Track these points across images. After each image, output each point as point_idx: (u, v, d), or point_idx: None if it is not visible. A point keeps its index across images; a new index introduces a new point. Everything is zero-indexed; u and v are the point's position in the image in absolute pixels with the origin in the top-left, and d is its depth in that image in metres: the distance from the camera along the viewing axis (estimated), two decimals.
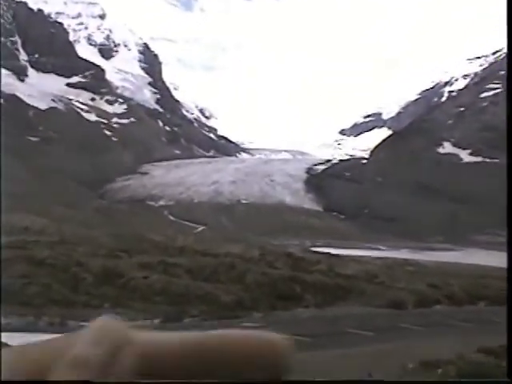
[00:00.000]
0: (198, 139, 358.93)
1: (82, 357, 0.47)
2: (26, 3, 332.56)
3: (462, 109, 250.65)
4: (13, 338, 13.46)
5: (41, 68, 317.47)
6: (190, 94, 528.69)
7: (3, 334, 13.79)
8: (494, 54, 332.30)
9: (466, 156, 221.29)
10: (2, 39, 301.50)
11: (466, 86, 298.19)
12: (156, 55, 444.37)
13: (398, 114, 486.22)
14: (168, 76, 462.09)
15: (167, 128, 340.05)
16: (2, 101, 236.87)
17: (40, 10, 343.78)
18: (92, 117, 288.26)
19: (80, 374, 0.46)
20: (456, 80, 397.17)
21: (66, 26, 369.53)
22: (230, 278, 28.16)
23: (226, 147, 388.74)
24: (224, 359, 0.49)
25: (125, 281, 24.47)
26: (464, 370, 10.94)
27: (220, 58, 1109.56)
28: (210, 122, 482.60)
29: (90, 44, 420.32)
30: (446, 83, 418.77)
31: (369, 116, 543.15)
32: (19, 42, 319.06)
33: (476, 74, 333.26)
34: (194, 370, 0.50)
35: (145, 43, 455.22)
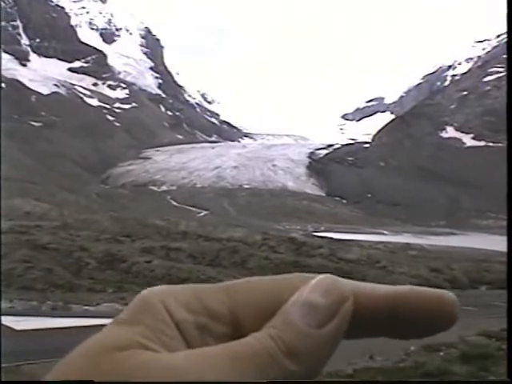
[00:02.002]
0: (200, 124, 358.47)
1: (312, 302, 0.49)
2: None
3: (464, 93, 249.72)
4: (17, 322, 13.54)
5: (43, 53, 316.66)
6: (192, 78, 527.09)
7: (7, 318, 13.85)
8: (497, 37, 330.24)
9: (468, 140, 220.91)
10: (3, 23, 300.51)
11: (469, 70, 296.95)
12: (158, 40, 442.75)
13: (401, 98, 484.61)
14: (170, 61, 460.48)
15: (169, 113, 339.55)
16: (3, 85, 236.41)
17: None
18: (94, 102, 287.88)
19: (308, 317, 0.49)
20: (459, 64, 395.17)
21: (67, 10, 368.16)
22: (232, 262, 28.25)
23: (229, 132, 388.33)
24: (420, 313, 0.52)
25: (127, 265, 24.56)
26: (466, 353, 10.97)
27: (222, 42, 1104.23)
28: (213, 107, 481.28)
29: (92, 28, 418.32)
30: (449, 67, 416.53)
31: (371, 100, 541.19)
32: (21, 26, 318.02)
33: (479, 57, 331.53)
34: (392, 322, 0.52)
35: (146, 27, 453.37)
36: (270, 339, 0.48)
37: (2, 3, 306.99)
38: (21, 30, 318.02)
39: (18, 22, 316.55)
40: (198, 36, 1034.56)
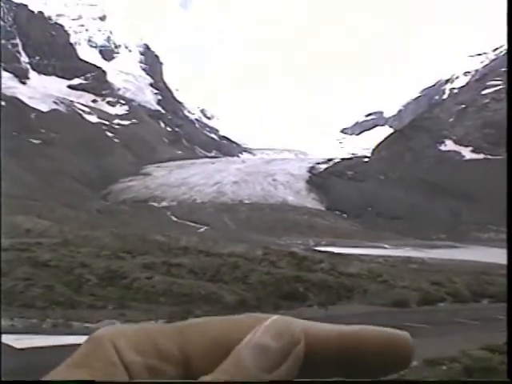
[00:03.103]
0: (199, 140, 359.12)
1: (263, 345, 0.50)
2: (26, 5, 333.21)
3: (463, 106, 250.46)
4: (17, 341, 13.48)
5: (42, 70, 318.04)
6: (191, 94, 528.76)
7: (8, 336, 13.80)
8: (494, 50, 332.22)
9: (467, 153, 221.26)
10: (3, 42, 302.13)
11: (467, 84, 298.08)
12: (157, 56, 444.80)
13: (400, 112, 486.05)
14: (169, 77, 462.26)
15: (169, 129, 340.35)
16: (3, 103, 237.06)
17: (40, 12, 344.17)
18: (94, 118, 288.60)
19: (259, 361, 0.49)
20: (457, 77, 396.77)
21: (66, 27, 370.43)
22: (233, 277, 28.18)
23: (228, 147, 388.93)
24: (370, 354, 0.52)
25: (128, 282, 24.50)
26: (469, 367, 10.93)
27: (220, 57, 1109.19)
28: (212, 123, 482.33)
29: (91, 46, 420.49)
30: (447, 81, 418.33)
31: (370, 114, 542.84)
32: (20, 44, 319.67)
33: (477, 70, 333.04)
34: (344, 363, 0.53)
35: (145, 44, 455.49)
36: None
37: (2, 22, 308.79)
38: (20, 48, 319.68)
39: (18, 40, 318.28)
40: (196, 51, 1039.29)
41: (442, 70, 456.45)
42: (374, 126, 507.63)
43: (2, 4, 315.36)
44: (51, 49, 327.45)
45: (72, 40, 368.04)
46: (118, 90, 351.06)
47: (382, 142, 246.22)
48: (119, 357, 0.52)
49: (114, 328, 0.54)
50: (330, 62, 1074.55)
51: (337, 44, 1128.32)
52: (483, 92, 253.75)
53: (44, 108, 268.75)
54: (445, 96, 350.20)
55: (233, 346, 0.52)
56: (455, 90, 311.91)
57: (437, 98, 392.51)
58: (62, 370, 0.50)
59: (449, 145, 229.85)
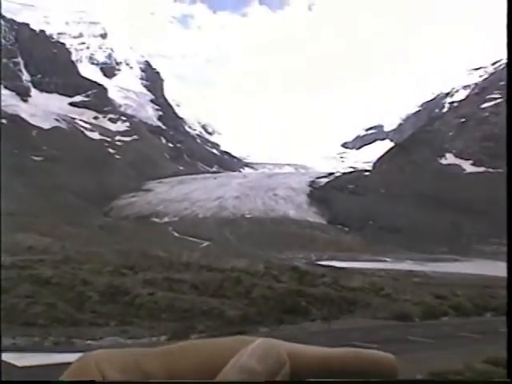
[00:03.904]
0: (201, 155, 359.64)
1: (249, 368, 0.51)
2: (28, 24, 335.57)
3: (463, 119, 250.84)
4: (19, 359, 13.40)
5: (44, 88, 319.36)
6: (192, 110, 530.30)
7: (9, 355, 13.72)
8: (493, 64, 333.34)
9: (468, 166, 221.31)
10: (5, 60, 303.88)
11: (467, 97, 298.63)
12: (157, 72, 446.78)
13: (400, 125, 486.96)
14: (170, 93, 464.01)
15: (170, 144, 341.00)
16: (4, 121, 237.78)
17: (42, 31, 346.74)
18: (95, 135, 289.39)
19: (245, 383, 0.50)
20: (457, 91, 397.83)
21: (68, 45, 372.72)
22: (235, 292, 28.07)
23: (230, 162, 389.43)
24: (354, 376, 0.53)
25: (130, 298, 24.41)
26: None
27: (220, 73, 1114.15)
28: (213, 138, 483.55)
29: (92, 63, 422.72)
30: (447, 94, 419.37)
31: (371, 128, 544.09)
32: (22, 62, 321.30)
33: (476, 84, 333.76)
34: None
35: (146, 61, 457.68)
36: None
37: (3, 40, 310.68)
38: (22, 66, 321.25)
39: (20, 59, 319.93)
40: (196, 68, 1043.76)
41: (441, 83, 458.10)
42: (375, 140, 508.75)
43: (3, 23, 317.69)
44: (53, 66, 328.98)
45: (73, 58, 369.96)
46: (120, 106, 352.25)
47: (383, 155, 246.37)
48: (104, 378, 0.53)
49: (99, 352, 0.55)
50: (330, 78, 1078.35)
51: (337, 61, 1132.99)
52: (483, 106, 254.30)
53: (46, 125, 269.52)
54: (445, 109, 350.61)
55: (219, 368, 0.52)
56: (455, 104, 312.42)
57: (437, 111, 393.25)
58: None
59: (449, 158, 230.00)
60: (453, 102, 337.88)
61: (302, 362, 0.53)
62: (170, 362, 0.55)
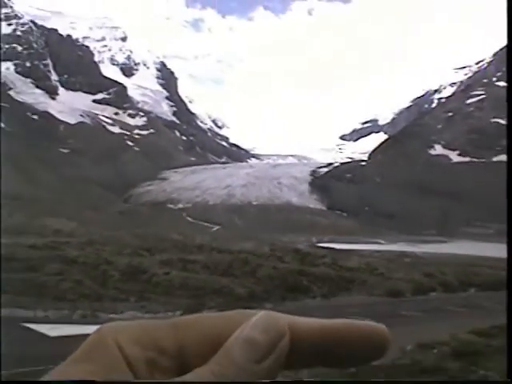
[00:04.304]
0: (211, 147, 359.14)
1: (252, 339, 0.50)
2: (56, 30, 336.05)
3: (450, 114, 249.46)
4: (51, 330, 13.59)
5: (70, 87, 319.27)
6: (203, 106, 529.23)
7: (43, 326, 13.90)
8: (477, 63, 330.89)
9: (455, 157, 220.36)
10: (36, 62, 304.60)
11: (454, 94, 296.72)
12: (172, 72, 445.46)
13: (393, 119, 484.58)
14: (183, 90, 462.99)
15: (183, 138, 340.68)
16: (36, 117, 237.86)
17: (69, 36, 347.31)
18: (116, 129, 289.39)
19: (248, 353, 0.50)
20: (444, 88, 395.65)
21: (91, 48, 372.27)
22: (243, 272, 28.17)
23: (238, 154, 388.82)
24: (348, 344, 0.53)
25: (148, 277, 24.54)
26: (457, 350, 10.92)
27: (228, 72, 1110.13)
28: (223, 131, 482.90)
29: (113, 64, 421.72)
30: (436, 91, 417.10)
31: (366, 122, 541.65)
32: (51, 64, 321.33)
33: (462, 82, 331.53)
34: (327, 354, 0.54)
35: (162, 61, 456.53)
36: (211, 375, 0.49)
37: (35, 45, 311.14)
38: (51, 68, 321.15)
39: (49, 61, 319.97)
40: (206, 67, 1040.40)
41: (430, 81, 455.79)
42: (370, 133, 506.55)
43: (35, 29, 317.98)
44: (78, 67, 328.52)
45: (96, 59, 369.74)
46: (138, 103, 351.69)
47: (378, 147, 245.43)
48: (120, 350, 0.52)
49: (115, 324, 0.55)
50: (329, 76, 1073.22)
51: (336, 57, 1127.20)
52: (468, 101, 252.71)
53: (72, 121, 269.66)
54: (434, 105, 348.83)
55: (224, 340, 0.52)
56: (443, 100, 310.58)
57: (426, 106, 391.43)
58: (68, 363, 0.50)
59: (438, 149, 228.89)
60: (441, 98, 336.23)
61: (300, 333, 0.53)
62: (180, 334, 0.55)
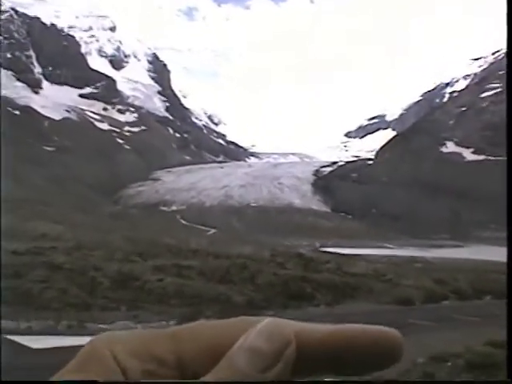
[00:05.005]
0: (207, 145, 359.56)
1: (257, 347, 0.51)
2: (39, 18, 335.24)
3: (463, 109, 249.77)
4: (34, 341, 13.54)
5: (54, 80, 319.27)
6: (198, 101, 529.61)
7: (25, 337, 13.86)
8: (493, 54, 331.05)
9: (468, 155, 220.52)
10: (18, 53, 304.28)
11: (467, 87, 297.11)
12: (165, 65, 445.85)
13: (402, 115, 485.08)
14: (177, 84, 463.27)
15: (177, 135, 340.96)
16: (17, 112, 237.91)
17: (53, 25, 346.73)
18: (104, 126, 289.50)
19: (252, 363, 0.50)
20: (457, 81, 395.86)
21: (77, 38, 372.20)
22: (242, 278, 28.15)
23: (235, 152, 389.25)
24: (358, 351, 0.53)
25: (140, 284, 24.52)
26: (472, 362, 10.90)
27: (225, 65, 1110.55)
28: (219, 128, 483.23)
29: (101, 55, 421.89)
30: (447, 84, 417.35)
31: (373, 118, 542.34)
32: (33, 55, 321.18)
33: (476, 74, 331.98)
34: (335, 361, 0.53)
35: (153, 53, 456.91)
36: None
37: (16, 34, 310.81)
38: (34, 59, 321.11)
39: (31, 52, 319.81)
40: (201, 59, 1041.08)
41: (442, 73, 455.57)
42: (377, 130, 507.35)
43: (16, 17, 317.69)
44: (63, 59, 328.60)
45: (83, 50, 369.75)
46: (128, 98, 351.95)
47: (385, 144, 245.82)
48: (116, 362, 0.52)
49: (110, 334, 0.55)
50: (334, 68, 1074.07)
51: (340, 53, 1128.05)
52: (482, 95, 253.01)
53: (56, 116, 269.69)
54: (445, 99, 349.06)
55: (226, 349, 0.52)
56: (455, 94, 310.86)
57: (437, 101, 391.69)
58: (61, 375, 0.51)
59: (450, 146, 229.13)
60: (453, 92, 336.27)
61: (307, 340, 0.53)
62: (178, 344, 0.55)
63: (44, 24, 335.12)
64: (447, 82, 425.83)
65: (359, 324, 0.54)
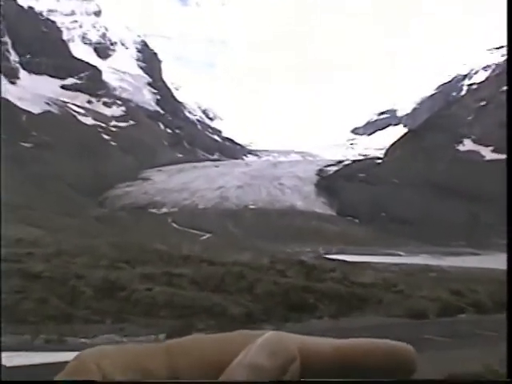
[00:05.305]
0: (201, 142, 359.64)
1: (257, 365, 0.50)
2: (15, 0, 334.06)
3: (482, 103, 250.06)
4: (8, 358, 13.42)
5: (33, 69, 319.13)
6: (192, 94, 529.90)
7: None
8: None
9: (488, 153, 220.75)
10: None
11: (487, 79, 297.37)
12: (155, 53, 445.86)
13: (414, 110, 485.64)
14: (168, 75, 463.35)
15: (169, 130, 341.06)
16: None
17: (31, 8, 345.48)
18: (89, 120, 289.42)
19: (253, 380, 0.50)
20: (476, 72, 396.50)
21: (59, 24, 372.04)
22: (238, 288, 28.08)
23: (232, 149, 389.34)
24: (369, 368, 0.53)
25: (127, 294, 24.44)
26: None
27: (221, 54, 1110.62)
28: (214, 124, 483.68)
29: (85, 43, 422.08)
30: (465, 76, 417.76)
31: (383, 113, 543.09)
32: (9, 42, 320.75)
33: (497, 64, 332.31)
34: (343, 378, 0.53)
35: (143, 41, 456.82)
36: None
37: None
38: (9, 46, 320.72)
39: (7, 38, 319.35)
40: (195, 48, 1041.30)
41: (459, 64, 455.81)
42: (387, 126, 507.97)
43: None
44: (43, 46, 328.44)
45: (65, 37, 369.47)
46: (115, 89, 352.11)
47: (396, 142, 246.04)
48: (104, 377, 0.53)
49: (99, 348, 0.55)
50: (340, 58, 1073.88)
51: (347, 40, 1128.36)
52: (503, 88, 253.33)
53: (35, 110, 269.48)
54: (462, 92, 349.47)
55: (225, 365, 0.52)
56: (474, 86, 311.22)
57: (454, 94, 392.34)
58: None
59: (467, 144, 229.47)
60: (471, 84, 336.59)
61: (313, 356, 0.53)
62: (173, 360, 0.55)
63: (21, 7, 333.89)
64: (465, 73, 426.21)
65: (368, 338, 0.54)
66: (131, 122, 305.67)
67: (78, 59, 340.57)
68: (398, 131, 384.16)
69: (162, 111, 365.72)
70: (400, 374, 0.53)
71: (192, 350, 0.55)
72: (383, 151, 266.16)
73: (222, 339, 0.56)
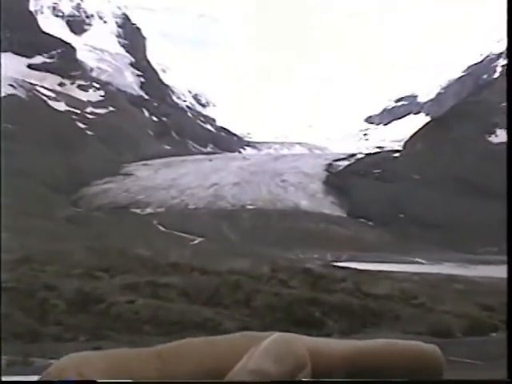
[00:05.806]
0: (192, 132, 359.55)
1: (262, 371, 0.51)
2: None
3: None
4: None
5: None
6: (181, 76, 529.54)
7: None
8: None
9: None
10: None
11: None
12: (138, 28, 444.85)
13: (438, 95, 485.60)
14: (154, 55, 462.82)
15: (154, 118, 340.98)
16: None
17: None
18: (61, 106, 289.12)
19: None
20: None
21: None
22: (234, 300, 28.12)
23: (227, 141, 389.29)
24: (393, 372, 0.55)
25: (105, 307, 24.44)
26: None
27: (214, 30, 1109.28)
28: (207, 111, 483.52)
29: (57, 15, 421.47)
30: (499, 55, 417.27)
31: (401, 99, 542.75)
32: None
33: None
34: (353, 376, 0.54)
35: (124, 14, 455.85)
36: None
37: None
38: None
39: None
40: (188, 25, 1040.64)
41: (491, 41, 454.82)
42: (407, 114, 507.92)
43: None
44: (6, 19, 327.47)
45: (32, 8, 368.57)
46: (91, 70, 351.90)
47: (416, 132, 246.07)
48: None
49: (81, 355, 0.56)
50: (352, 36, 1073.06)
51: (360, 14, 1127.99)
52: None
53: None
54: (496, 74, 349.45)
55: (224, 371, 0.53)
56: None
57: (485, 77, 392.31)
58: None
59: (501, 135, 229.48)
60: (506, 66, 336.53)
61: (327, 360, 0.53)
62: (164, 363, 0.56)
63: None
64: (499, 52, 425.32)
65: (389, 339, 0.56)
66: (111, 109, 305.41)
67: (48, 34, 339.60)
68: (419, 120, 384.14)
69: (146, 96, 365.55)
70: (426, 376, 0.54)
71: (187, 355, 0.56)
72: (401, 143, 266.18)
73: (220, 342, 0.57)
